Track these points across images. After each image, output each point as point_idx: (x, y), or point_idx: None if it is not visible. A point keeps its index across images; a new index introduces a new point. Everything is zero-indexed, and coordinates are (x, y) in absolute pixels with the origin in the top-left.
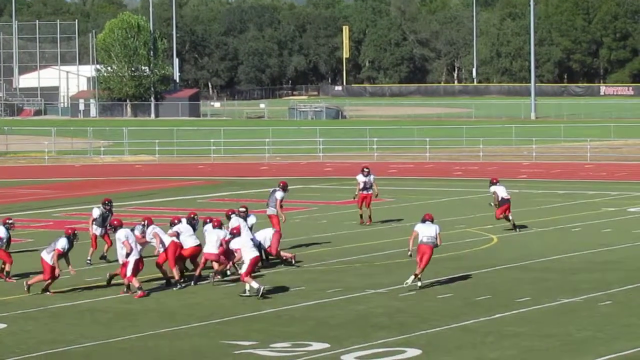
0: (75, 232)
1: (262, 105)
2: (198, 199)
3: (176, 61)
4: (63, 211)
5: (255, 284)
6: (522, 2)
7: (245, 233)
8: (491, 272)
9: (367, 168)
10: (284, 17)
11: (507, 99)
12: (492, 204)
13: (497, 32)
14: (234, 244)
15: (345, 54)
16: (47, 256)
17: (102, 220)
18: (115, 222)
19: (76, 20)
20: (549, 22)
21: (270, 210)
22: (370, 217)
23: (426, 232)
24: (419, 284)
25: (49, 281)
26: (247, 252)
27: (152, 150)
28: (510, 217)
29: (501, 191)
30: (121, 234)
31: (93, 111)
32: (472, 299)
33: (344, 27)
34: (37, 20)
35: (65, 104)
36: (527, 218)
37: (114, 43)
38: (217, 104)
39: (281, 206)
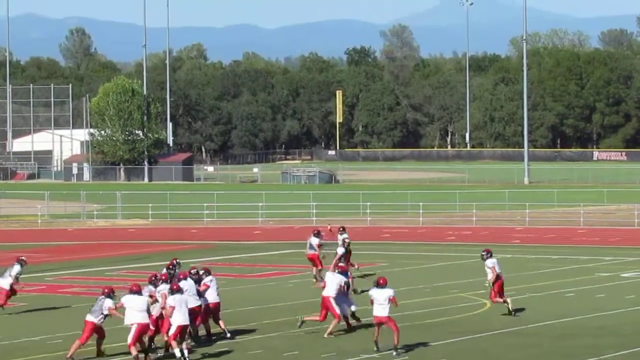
0: (113, 290)
1: (255, 170)
2: (191, 263)
3: (170, 125)
4: (56, 275)
5: (177, 352)
6: (515, 67)
7: (185, 296)
8: (484, 337)
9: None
10: (278, 81)
11: (500, 163)
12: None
13: (491, 97)
14: (170, 300)
15: (339, 118)
16: (95, 318)
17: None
18: (134, 288)
19: (70, 84)
20: (542, 87)
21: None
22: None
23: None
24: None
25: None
26: (177, 316)
27: (146, 214)
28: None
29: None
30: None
31: (86, 175)
32: None
33: (337, 91)
34: (31, 84)
35: (59, 168)
36: (520, 283)
37: (108, 107)
38: (210, 168)
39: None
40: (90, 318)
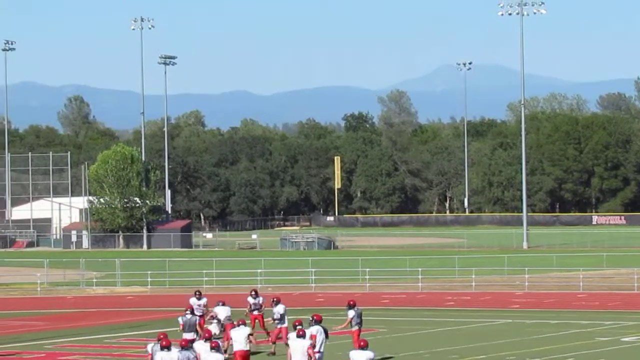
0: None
1: (254, 236)
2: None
3: (168, 192)
4: (55, 343)
5: None
6: (513, 131)
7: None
8: None
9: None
10: (276, 148)
11: (499, 228)
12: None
13: (489, 162)
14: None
15: (337, 184)
16: None
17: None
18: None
19: (68, 152)
20: (541, 152)
21: None
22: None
23: None
24: None
25: None
26: None
27: (144, 282)
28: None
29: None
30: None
31: (85, 242)
32: None
33: (335, 157)
34: (29, 152)
35: (58, 236)
36: (520, 348)
37: (107, 174)
38: (209, 235)
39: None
40: None
